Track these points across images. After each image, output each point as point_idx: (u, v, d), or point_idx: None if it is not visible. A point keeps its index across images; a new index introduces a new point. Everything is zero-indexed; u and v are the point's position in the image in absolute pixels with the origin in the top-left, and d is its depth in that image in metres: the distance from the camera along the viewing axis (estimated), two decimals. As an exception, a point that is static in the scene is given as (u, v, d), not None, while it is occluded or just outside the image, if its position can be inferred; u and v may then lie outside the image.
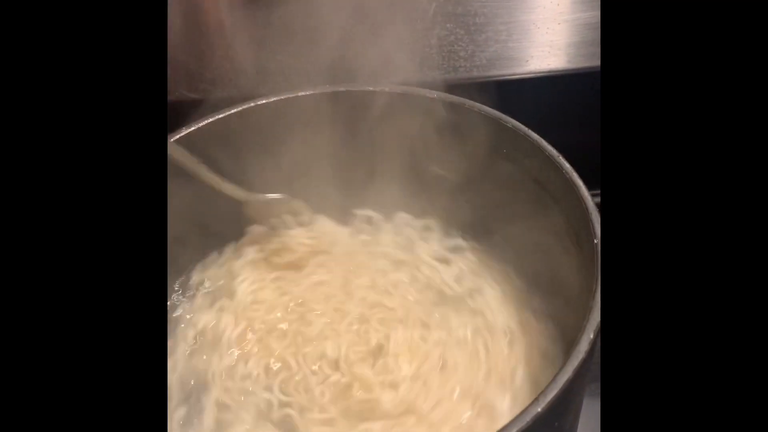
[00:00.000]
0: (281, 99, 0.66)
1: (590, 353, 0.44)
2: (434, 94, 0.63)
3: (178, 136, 0.63)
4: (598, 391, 0.71)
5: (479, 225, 0.66)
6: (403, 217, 0.70)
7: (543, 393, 0.41)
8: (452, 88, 0.71)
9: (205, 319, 0.64)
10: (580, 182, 0.54)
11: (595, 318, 0.45)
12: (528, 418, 0.40)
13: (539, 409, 0.40)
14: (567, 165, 0.56)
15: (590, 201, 0.52)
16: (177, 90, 0.72)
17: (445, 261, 0.67)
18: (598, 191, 0.82)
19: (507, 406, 0.55)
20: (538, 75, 0.79)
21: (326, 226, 0.71)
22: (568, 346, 0.45)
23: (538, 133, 0.60)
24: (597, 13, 0.82)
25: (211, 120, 0.65)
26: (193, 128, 0.64)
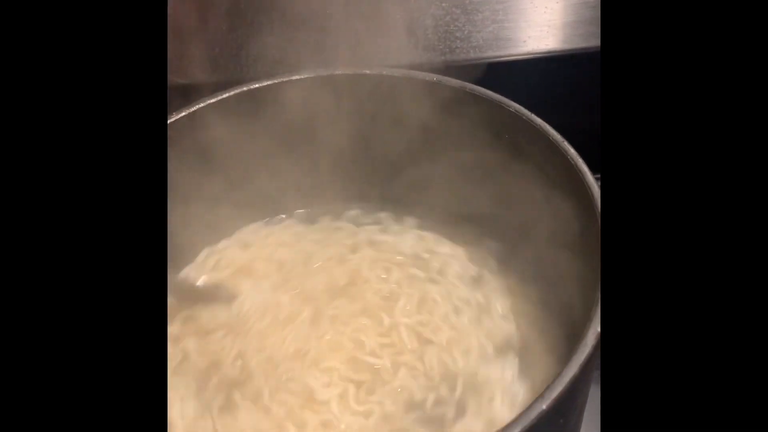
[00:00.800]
0: (274, 83, 0.64)
1: (596, 348, 0.43)
2: (434, 77, 0.61)
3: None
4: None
5: (476, 213, 0.65)
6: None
7: (548, 388, 0.40)
8: (449, 69, 0.70)
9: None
10: (585, 168, 0.53)
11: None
12: (533, 415, 0.39)
13: (544, 407, 0.39)
14: (572, 150, 0.54)
15: (595, 188, 0.51)
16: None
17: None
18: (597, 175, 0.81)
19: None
20: (536, 56, 0.77)
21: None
22: (572, 339, 0.45)
23: (536, 116, 0.59)
24: (595, -8, 0.81)
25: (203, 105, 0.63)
26: (183, 114, 0.62)
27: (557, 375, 0.41)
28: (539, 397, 0.40)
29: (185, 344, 0.61)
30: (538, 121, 0.57)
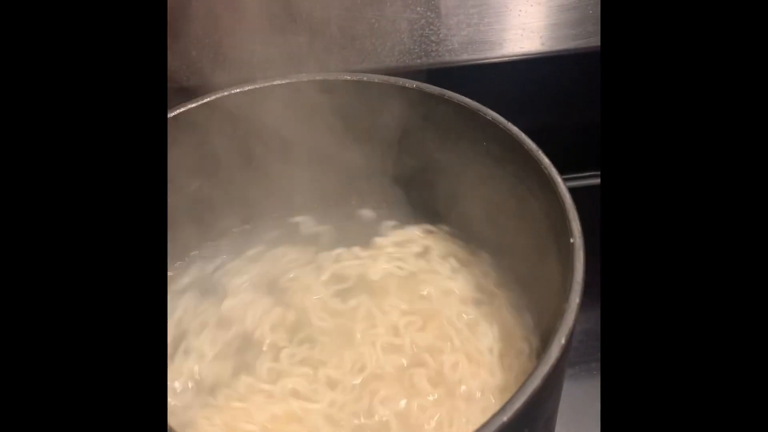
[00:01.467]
0: (249, 89, 0.64)
1: (561, 359, 0.43)
2: (413, 84, 0.61)
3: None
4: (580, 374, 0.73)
5: (455, 219, 0.66)
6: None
7: (510, 401, 0.41)
8: (424, 73, 0.70)
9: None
10: (558, 178, 0.54)
11: (568, 322, 0.44)
12: (493, 428, 0.39)
13: (505, 419, 0.40)
14: (546, 160, 0.55)
15: (568, 198, 0.52)
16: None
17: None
18: (573, 175, 0.83)
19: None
20: (512, 59, 0.78)
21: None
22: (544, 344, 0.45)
23: (512, 119, 0.59)
24: (569, -5, 0.81)
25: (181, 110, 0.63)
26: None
27: (520, 387, 0.42)
28: (501, 410, 0.40)
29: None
30: (515, 129, 0.58)
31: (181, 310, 0.65)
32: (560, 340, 0.43)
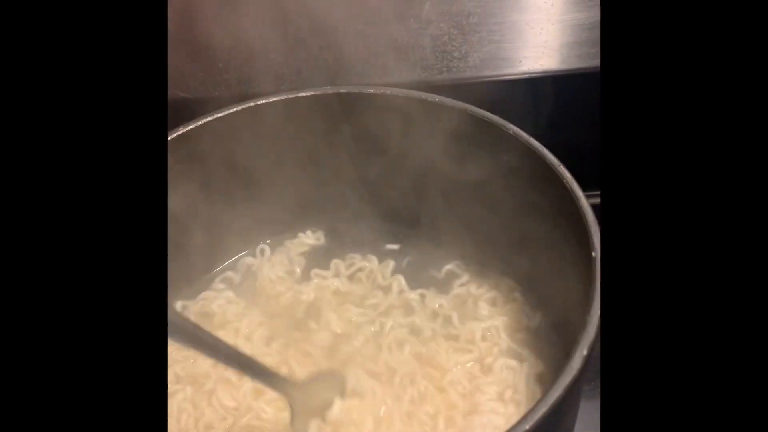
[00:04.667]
0: (276, 101, 0.65)
1: (582, 371, 0.44)
2: (436, 98, 0.62)
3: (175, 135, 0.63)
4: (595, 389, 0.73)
5: (477, 235, 0.67)
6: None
7: (532, 410, 0.41)
8: (446, 88, 0.71)
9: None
10: (580, 193, 0.54)
11: (590, 334, 0.45)
12: None
13: (527, 427, 0.40)
14: (567, 174, 0.56)
15: (590, 213, 0.53)
16: (169, 89, 0.71)
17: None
18: (597, 192, 0.83)
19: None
20: (532, 75, 0.79)
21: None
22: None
23: (532, 134, 0.60)
24: (589, 14, 0.82)
25: (209, 119, 0.64)
26: (191, 126, 0.63)
27: (541, 397, 0.42)
28: (522, 419, 0.41)
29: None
30: (536, 144, 0.59)
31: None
32: (582, 351, 0.44)
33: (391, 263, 0.70)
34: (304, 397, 0.56)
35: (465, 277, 0.69)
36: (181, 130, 0.63)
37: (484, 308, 0.66)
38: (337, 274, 0.70)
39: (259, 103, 0.64)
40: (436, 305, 0.67)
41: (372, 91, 0.64)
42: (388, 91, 0.64)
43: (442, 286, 0.69)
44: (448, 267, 0.70)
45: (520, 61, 0.79)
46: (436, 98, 0.63)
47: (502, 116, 0.62)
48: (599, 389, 0.73)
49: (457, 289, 0.68)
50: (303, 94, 0.65)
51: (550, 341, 0.62)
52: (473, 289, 0.67)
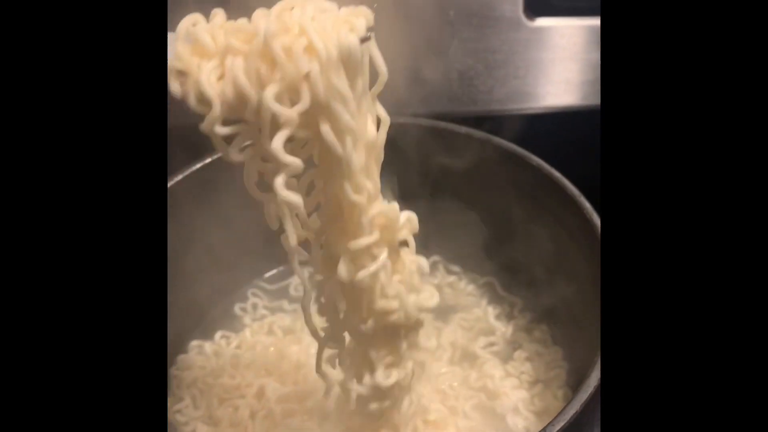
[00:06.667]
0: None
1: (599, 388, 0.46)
2: (462, 129, 0.66)
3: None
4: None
5: (499, 262, 0.69)
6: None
7: (551, 423, 0.44)
8: (472, 120, 0.74)
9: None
10: (599, 222, 0.57)
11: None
12: None
13: None
14: (588, 205, 0.58)
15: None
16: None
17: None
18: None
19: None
20: (554, 110, 0.82)
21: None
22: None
23: (554, 166, 0.63)
24: (611, 54, 0.85)
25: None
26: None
27: (559, 412, 0.45)
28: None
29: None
30: (557, 175, 0.61)
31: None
32: (597, 372, 0.46)
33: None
34: None
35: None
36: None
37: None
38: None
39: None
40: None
41: (402, 120, 0.67)
42: (419, 121, 0.67)
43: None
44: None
45: (544, 97, 0.82)
46: (462, 129, 0.67)
47: (526, 148, 0.65)
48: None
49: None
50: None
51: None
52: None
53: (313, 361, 0.50)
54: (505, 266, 0.70)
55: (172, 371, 0.67)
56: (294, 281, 0.75)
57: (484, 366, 0.66)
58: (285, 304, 0.74)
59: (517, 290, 0.71)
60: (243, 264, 0.73)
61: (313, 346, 0.62)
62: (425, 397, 0.60)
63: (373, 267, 0.44)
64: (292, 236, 0.43)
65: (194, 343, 0.70)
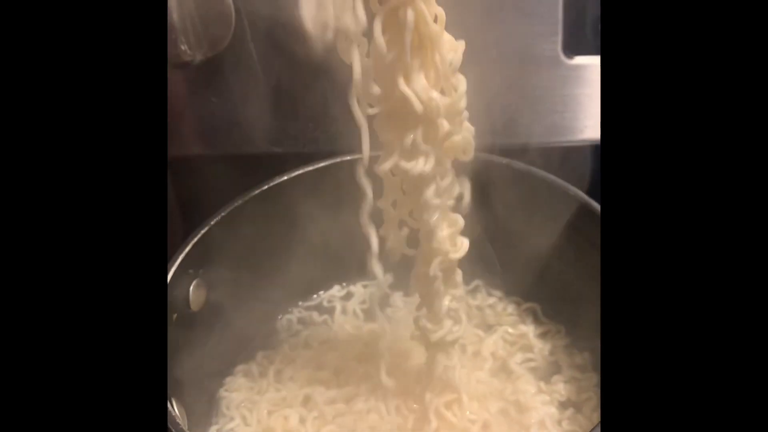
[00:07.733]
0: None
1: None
2: (503, 160, 0.69)
3: (265, 188, 0.71)
4: None
5: (539, 289, 0.72)
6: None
7: None
8: (511, 152, 0.77)
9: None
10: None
11: None
12: None
13: None
14: (624, 234, 0.61)
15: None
16: (262, 144, 0.80)
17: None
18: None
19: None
20: (593, 143, 0.85)
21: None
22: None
23: (592, 196, 0.66)
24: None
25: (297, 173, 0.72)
26: (276, 181, 0.72)
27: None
28: None
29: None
30: (596, 205, 0.65)
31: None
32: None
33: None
34: None
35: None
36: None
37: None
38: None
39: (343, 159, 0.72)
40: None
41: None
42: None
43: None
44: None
45: (582, 130, 0.86)
46: (504, 161, 0.70)
47: (564, 179, 0.68)
48: None
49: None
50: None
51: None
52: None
53: (351, 366, 0.56)
54: (547, 295, 0.74)
55: (221, 393, 0.72)
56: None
57: (518, 381, 0.69)
58: (315, 315, 0.80)
59: (558, 318, 0.74)
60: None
61: (350, 351, 0.69)
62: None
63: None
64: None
65: (240, 367, 0.75)
